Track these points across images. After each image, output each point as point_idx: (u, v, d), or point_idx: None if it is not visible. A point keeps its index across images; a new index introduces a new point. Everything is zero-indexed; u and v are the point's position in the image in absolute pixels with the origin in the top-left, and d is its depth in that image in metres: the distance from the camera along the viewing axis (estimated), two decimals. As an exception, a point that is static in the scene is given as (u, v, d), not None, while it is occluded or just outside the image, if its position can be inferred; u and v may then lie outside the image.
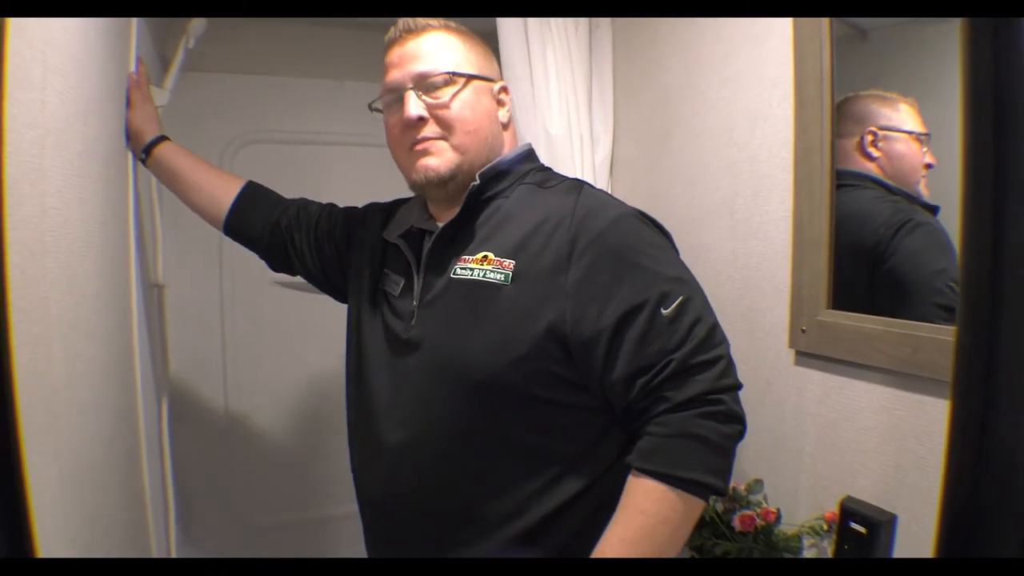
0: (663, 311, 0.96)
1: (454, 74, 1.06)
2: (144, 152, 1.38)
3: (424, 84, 1.05)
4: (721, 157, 1.39)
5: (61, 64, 0.89)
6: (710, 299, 1.33)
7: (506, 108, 1.14)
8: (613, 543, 0.94)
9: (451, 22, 1.12)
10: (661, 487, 0.93)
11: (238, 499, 2.28)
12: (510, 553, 1.00)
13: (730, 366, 0.99)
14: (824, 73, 1.12)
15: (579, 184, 1.10)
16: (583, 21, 1.70)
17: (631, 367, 0.96)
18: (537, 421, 1.01)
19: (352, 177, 2.33)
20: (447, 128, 1.05)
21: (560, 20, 1.65)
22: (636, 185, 1.67)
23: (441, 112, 1.05)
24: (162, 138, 1.40)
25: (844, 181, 1.14)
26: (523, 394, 1.00)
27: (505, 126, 1.14)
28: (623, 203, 1.08)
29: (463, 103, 1.06)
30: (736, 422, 0.98)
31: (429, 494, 1.05)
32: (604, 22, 1.72)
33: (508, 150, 1.14)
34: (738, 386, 1.00)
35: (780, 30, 1.23)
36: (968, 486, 0.39)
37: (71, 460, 0.87)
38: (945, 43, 1.02)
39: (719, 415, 0.95)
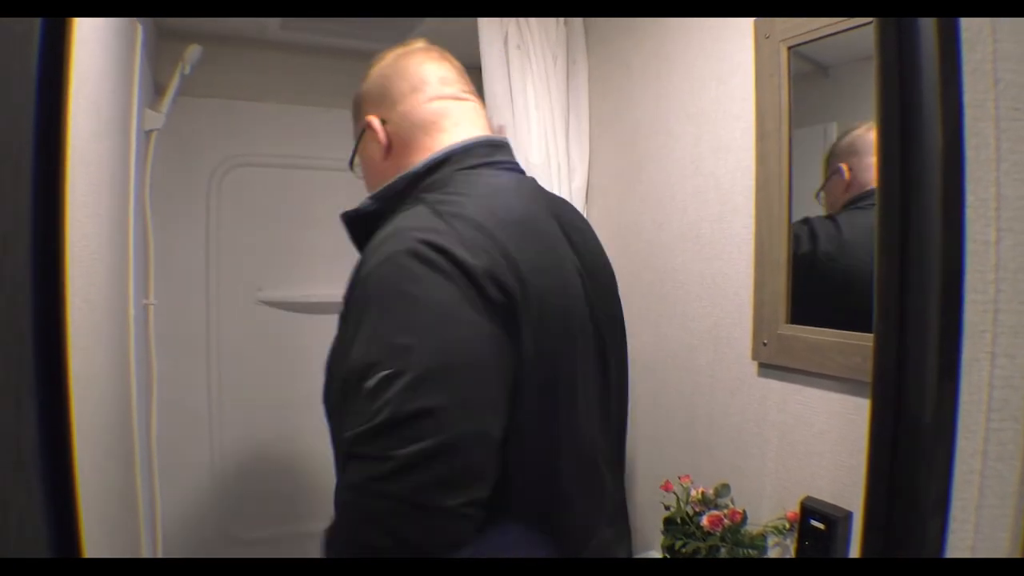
0: (365, 384, 0.81)
1: (351, 167, 1.17)
2: None
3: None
4: (688, 185, 1.51)
5: (86, 88, 0.96)
6: (681, 317, 1.41)
7: (379, 137, 1.08)
8: None
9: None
10: None
11: (224, 514, 2.31)
12: None
13: (411, 469, 0.78)
14: (782, 108, 1.23)
15: (413, 205, 0.97)
16: (561, 56, 1.81)
17: (341, 433, 0.85)
18: None
19: (336, 201, 2.38)
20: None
21: (540, 55, 1.76)
22: (610, 211, 1.78)
23: None
24: None
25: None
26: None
27: (387, 152, 1.08)
28: (411, 234, 0.88)
29: (364, 174, 1.15)
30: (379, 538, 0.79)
31: None
32: (581, 57, 1.84)
33: (395, 172, 1.05)
34: (402, 498, 0.78)
35: (743, 68, 1.34)
36: (887, 458, 0.47)
37: (86, 464, 0.92)
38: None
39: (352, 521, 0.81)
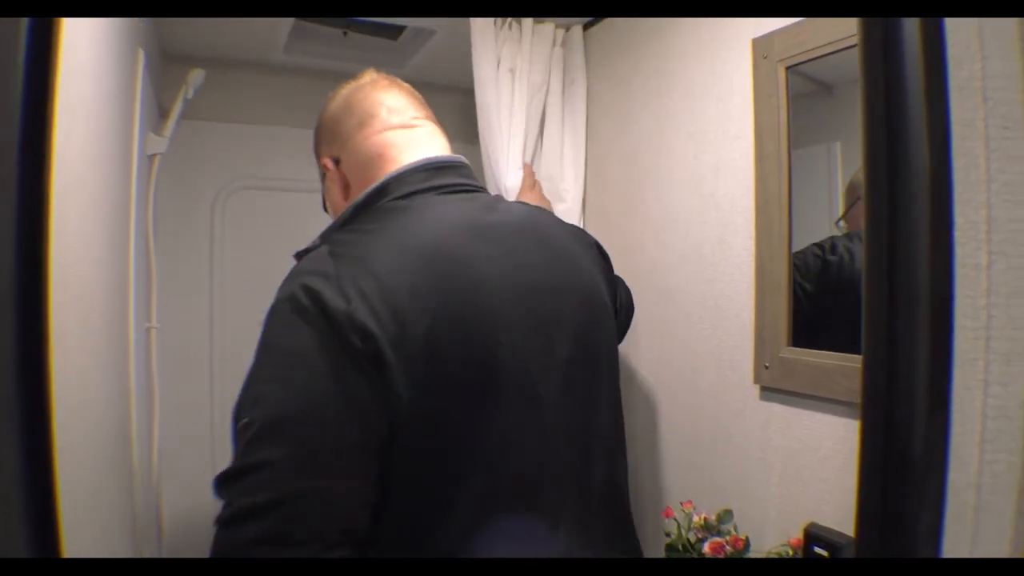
0: (236, 428, 0.84)
1: (325, 210, 1.20)
2: None
3: None
4: (688, 206, 1.50)
5: (83, 113, 0.96)
6: (683, 339, 1.40)
7: (333, 177, 1.10)
8: None
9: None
10: None
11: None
12: None
13: (245, 519, 0.78)
14: (781, 128, 1.23)
15: (323, 244, 0.96)
16: (557, 77, 1.81)
17: None
18: None
19: (340, 223, 2.40)
20: None
21: (533, 77, 1.76)
22: (611, 231, 1.77)
23: None
24: None
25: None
26: None
27: (345, 195, 1.09)
28: (297, 278, 0.88)
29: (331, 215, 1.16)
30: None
31: None
32: (580, 77, 1.84)
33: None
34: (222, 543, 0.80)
35: (742, 88, 1.34)
36: (877, 491, 0.46)
37: (75, 485, 0.91)
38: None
39: None
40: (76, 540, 0.89)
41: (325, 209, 1.21)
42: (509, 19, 1.74)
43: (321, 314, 0.82)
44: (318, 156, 1.14)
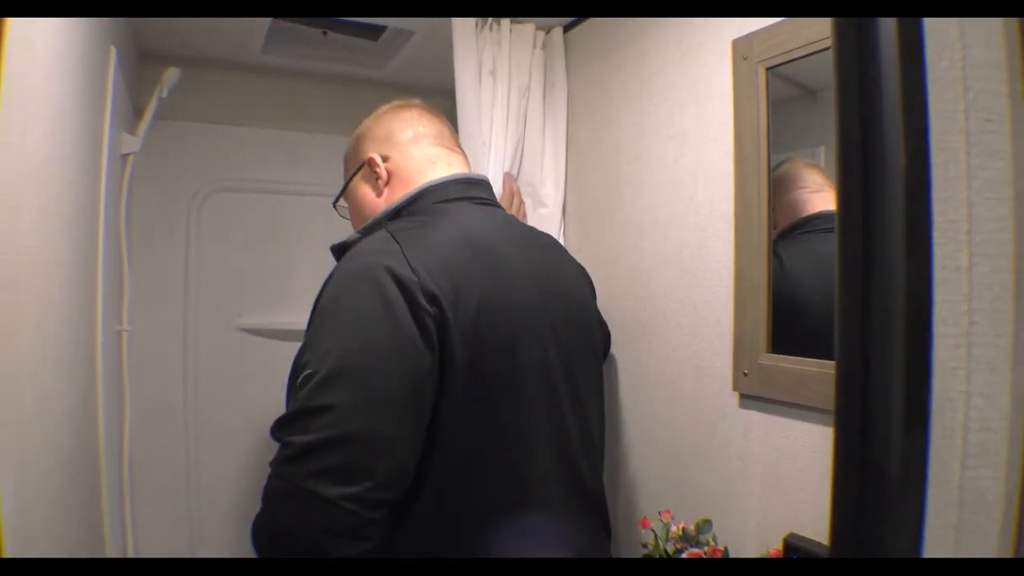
0: (296, 382, 0.96)
1: (335, 204, 1.38)
2: None
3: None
4: (668, 210, 1.47)
5: (41, 111, 0.93)
6: (662, 346, 1.39)
7: (380, 172, 1.24)
8: None
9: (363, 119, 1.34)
10: None
11: (197, 545, 2.24)
12: None
13: (303, 456, 0.89)
14: (761, 131, 1.21)
15: (378, 231, 1.10)
16: (538, 80, 1.79)
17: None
18: None
19: (318, 226, 2.38)
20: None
21: (514, 80, 1.74)
22: (589, 236, 1.74)
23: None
24: None
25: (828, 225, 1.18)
26: None
27: (382, 188, 1.23)
28: (363, 254, 1.03)
29: (349, 210, 1.34)
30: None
31: None
32: (560, 81, 1.81)
33: (386, 205, 1.21)
34: (284, 478, 0.91)
35: (721, 90, 1.32)
36: (852, 511, 0.43)
37: (31, 494, 0.88)
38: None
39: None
40: (34, 551, 0.86)
41: (335, 205, 1.38)
42: (490, 21, 1.71)
43: (394, 282, 0.94)
44: (361, 151, 1.28)
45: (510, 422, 1.03)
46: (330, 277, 1.03)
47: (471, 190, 1.19)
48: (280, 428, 0.93)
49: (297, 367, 0.97)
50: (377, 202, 1.23)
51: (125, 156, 1.80)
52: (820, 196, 1.20)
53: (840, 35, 0.40)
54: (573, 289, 1.24)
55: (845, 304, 0.42)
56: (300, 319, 2.39)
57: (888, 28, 0.36)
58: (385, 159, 1.23)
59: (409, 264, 0.96)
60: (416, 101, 1.33)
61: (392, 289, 0.94)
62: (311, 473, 0.88)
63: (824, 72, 1.16)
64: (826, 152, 1.21)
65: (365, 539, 0.90)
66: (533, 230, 1.30)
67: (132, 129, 1.85)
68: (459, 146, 1.31)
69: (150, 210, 2.18)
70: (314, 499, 0.87)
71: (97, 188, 1.43)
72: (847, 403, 0.42)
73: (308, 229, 2.40)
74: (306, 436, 0.89)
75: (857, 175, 0.40)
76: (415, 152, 1.23)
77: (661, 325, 1.49)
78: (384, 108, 1.31)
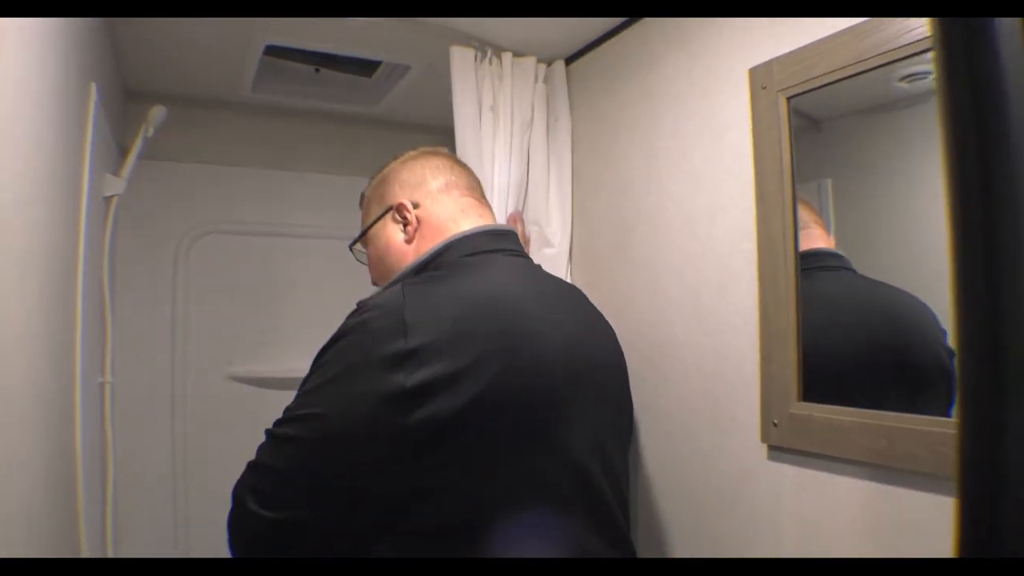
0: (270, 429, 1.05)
1: (351, 247, 1.35)
2: None
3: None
4: (683, 250, 1.39)
5: (10, 150, 0.85)
6: (681, 395, 1.30)
7: (410, 218, 1.22)
8: None
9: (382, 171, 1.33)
10: None
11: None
12: None
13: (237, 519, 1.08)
14: (784, 163, 1.13)
15: (394, 286, 1.08)
16: (541, 114, 1.72)
17: None
18: None
19: (309, 268, 2.30)
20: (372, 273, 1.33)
21: (518, 115, 1.67)
22: (599, 276, 1.66)
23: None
24: None
25: (825, 263, 1.14)
26: None
27: (412, 234, 1.22)
28: (361, 312, 1.02)
29: (368, 257, 1.32)
30: None
31: None
32: (564, 115, 1.75)
33: (414, 257, 1.20)
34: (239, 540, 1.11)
35: (738, 122, 1.25)
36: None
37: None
38: (893, 130, 1.07)
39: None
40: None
41: (351, 248, 1.36)
42: (489, 53, 1.65)
43: (390, 336, 0.95)
44: (388, 195, 1.27)
45: (515, 479, 0.99)
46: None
47: (498, 242, 1.18)
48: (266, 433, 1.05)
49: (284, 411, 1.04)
50: (406, 249, 1.22)
51: (108, 198, 1.72)
52: (805, 233, 1.14)
53: (945, 40, 0.32)
54: (605, 344, 1.23)
55: (970, 374, 0.34)
56: (293, 366, 2.32)
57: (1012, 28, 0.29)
58: (416, 206, 1.22)
59: (405, 321, 0.96)
60: (443, 149, 1.33)
61: (375, 345, 0.95)
62: (247, 485, 1.04)
63: (830, 103, 1.12)
64: (833, 184, 1.16)
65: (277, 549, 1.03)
66: (562, 284, 1.26)
67: (116, 170, 1.77)
68: (486, 198, 1.30)
69: (136, 254, 2.10)
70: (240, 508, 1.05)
71: (76, 232, 1.35)
72: (975, 494, 0.34)
73: (300, 272, 2.32)
74: (259, 455, 1.04)
75: (978, 209, 0.33)
76: (448, 201, 1.22)
77: (678, 372, 1.39)
78: (413, 153, 1.31)
